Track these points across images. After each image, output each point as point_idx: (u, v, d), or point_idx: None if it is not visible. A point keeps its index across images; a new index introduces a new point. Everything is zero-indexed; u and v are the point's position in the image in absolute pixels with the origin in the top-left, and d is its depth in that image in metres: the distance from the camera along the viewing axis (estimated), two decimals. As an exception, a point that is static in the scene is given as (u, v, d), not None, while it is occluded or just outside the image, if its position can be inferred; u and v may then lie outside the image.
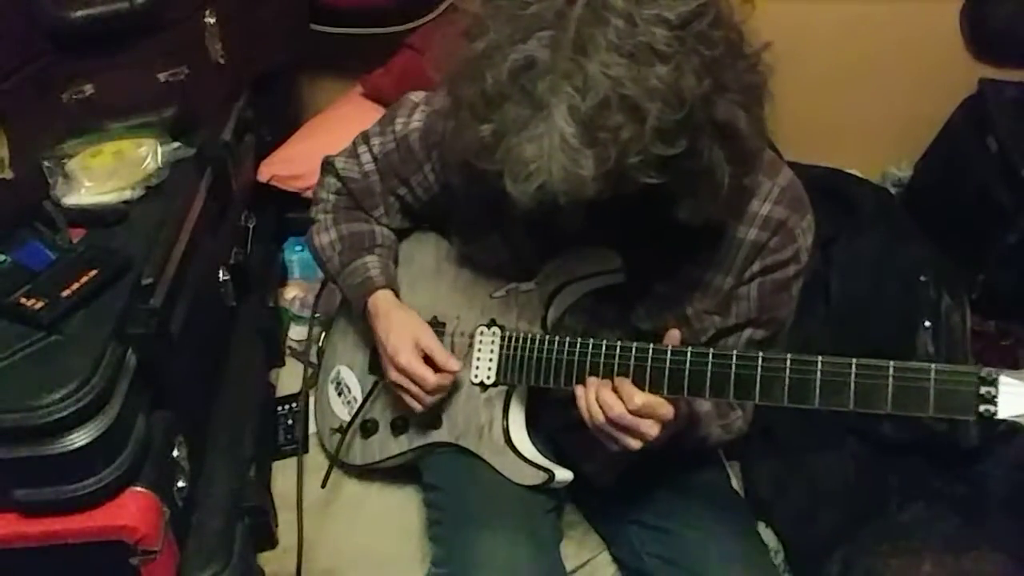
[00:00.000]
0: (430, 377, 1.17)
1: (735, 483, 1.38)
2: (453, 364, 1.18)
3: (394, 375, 1.20)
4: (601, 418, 1.02)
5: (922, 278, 1.71)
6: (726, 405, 1.19)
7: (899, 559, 1.40)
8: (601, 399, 1.02)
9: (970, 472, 1.53)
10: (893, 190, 2.19)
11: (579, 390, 1.05)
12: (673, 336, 1.03)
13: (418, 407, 1.20)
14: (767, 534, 1.50)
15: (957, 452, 1.54)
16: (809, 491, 1.52)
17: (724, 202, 0.98)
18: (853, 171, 2.09)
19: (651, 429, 1.00)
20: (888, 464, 1.54)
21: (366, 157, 1.28)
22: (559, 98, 0.83)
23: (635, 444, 1.02)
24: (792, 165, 2.04)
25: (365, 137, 1.29)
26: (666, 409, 1.00)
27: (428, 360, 1.18)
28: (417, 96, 1.25)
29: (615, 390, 1.02)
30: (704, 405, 1.15)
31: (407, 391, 1.19)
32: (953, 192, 2.03)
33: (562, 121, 0.83)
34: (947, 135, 2.12)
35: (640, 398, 1.00)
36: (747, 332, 1.16)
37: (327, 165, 1.34)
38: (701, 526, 1.18)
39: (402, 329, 1.20)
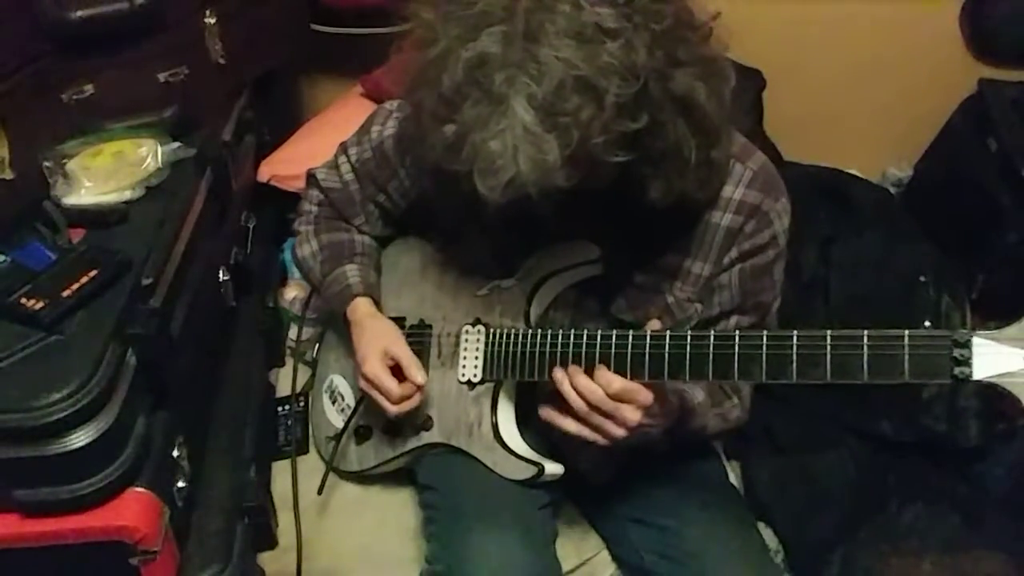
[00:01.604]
0: (394, 389, 1.17)
1: (734, 479, 1.38)
2: (418, 376, 1.17)
3: (362, 383, 1.20)
4: (582, 405, 1.01)
5: (922, 278, 1.71)
6: (721, 394, 1.19)
7: (899, 559, 1.40)
8: (579, 386, 1.02)
9: (970, 472, 1.53)
10: (893, 190, 2.20)
11: (558, 373, 1.04)
12: (654, 325, 1.03)
13: (388, 414, 1.20)
14: (767, 534, 1.50)
15: (957, 452, 1.54)
16: (809, 491, 1.52)
17: (694, 177, 0.99)
18: (853, 171, 2.09)
19: (632, 414, 1.00)
20: (888, 464, 1.55)
21: (345, 167, 1.30)
22: (516, 89, 0.84)
23: (618, 432, 1.02)
24: (792, 165, 2.07)
25: (344, 148, 1.31)
26: (644, 395, 1.00)
27: (398, 370, 1.18)
28: (392, 104, 1.26)
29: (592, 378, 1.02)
30: (698, 396, 1.15)
31: (375, 401, 1.20)
32: (953, 192, 2.04)
33: (522, 111, 0.84)
34: (947, 135, 2.12)
35: (619, 383, 1.00)
36: (734, 320, 1.16)
37: (310, 178, 1.36)
38: (699, 522, 1.18)
39: (373, 338, 1.20)
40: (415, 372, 1.17)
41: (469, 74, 0.86)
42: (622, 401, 1.00)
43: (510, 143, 0.85)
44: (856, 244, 1.81)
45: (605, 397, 1.00)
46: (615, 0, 0.86)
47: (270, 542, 1.32)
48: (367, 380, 1.19)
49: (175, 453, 1.15)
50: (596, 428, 1.03)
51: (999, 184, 1.88)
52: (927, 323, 1.67)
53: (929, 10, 2.06)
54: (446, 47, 0.88)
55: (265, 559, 1.31)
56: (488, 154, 0.86)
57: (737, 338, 0.95)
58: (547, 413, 1.07)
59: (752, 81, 2.06)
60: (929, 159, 2.18)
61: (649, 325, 1.04)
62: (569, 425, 1.04)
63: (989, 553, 1.40)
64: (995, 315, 1.88)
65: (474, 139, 0.87)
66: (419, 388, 1.18)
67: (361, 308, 1.25)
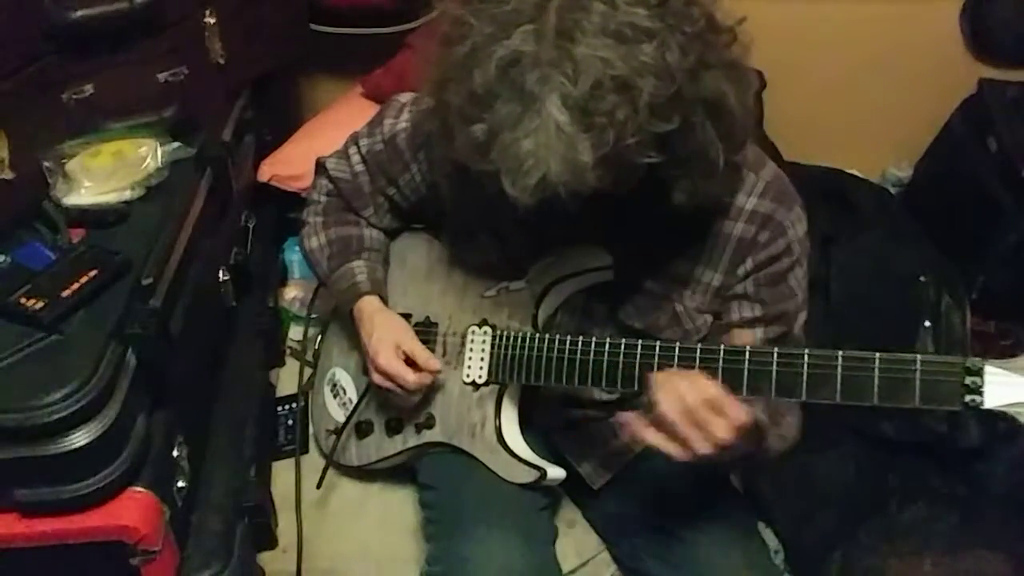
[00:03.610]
0: (409, 376, 1.17)
1: (734, 480, 1.37)
2: (433, 364, 1.19)
3: (376, 377, 1.21)
4: (675, 412, 0.92)
5: (922, 278, 1.71)
6: (777, 413, 1.11)
7: (899, 559, 1.40)
8: (680, 388, 0.93)
9: (970, 472, 1.53)
10: (893, 190, 2.20)
11: (659, 377, 0.96)
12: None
13: (404, 405, 1.21)
14: (767, 534, 1.50)
15: (957, 452, 1.54)
16: (809, 491, 1.52)
17: (718, 180, 0.98)
18: (853, 171, 2.09)
19: (724, 432, 0.91)
20: (888, 464, 1.55)
21: (356, 158, 1.29)
22: (550, 87, 0.83)
23: (703, 447, 0.92)
24: (792, 165, 2.07)
25: (355, 138, 1.30)
26: (738, 411, 0.92)
27: (411, 362, 1.19)
28: (405, 97, 1.25)
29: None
30: (761, 415, 1.03)
31: (390, 392, 1.20)
32: (953, 192, 2.04)
33: (555, 110, 0.83)
34: (947, 135, 2.12)
35: (714, 390, 0.92)
36: (760, 331, 1.14)
37: (319, 166, 1.35)
38: (701, 526, 1.17)
39: (383, 332, 1.21)
40: (429, 362, 1.18)
41: (502, 72, 0.85)
42: (715, 412, 0.92)
43: (542, 142, 0.84)
44: (856, 244, 1.81)
45: (700, 403, 0.92)
46: (648, 1, 0.85)
47: (270, 542, 1.32)
48: (382, 373, 1.19)
49: (175, 453, 1.15)
50: (681, 439, 0.93)
51: (999, 184, 1.88)
52: (927, 323, 1.67)
53: (929, 10, 2.06)
54: (477, 44, 0.87)
55: (265, 559, 1.31)
56: (518, 154, 0.85)
57: (748, 353, 0.95)
58: (626, 418, 0.98)
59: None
60: (929, 159, 2.18)
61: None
62: (651, 436, 0.94)
63: (989, 553, 1.40)
64: (995, 315, 1.89)
65: (505, 138, 0.86)
66: (435, 376, 1.19)
67: (369, 305, 1.25)
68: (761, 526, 1.50)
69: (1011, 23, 2.05)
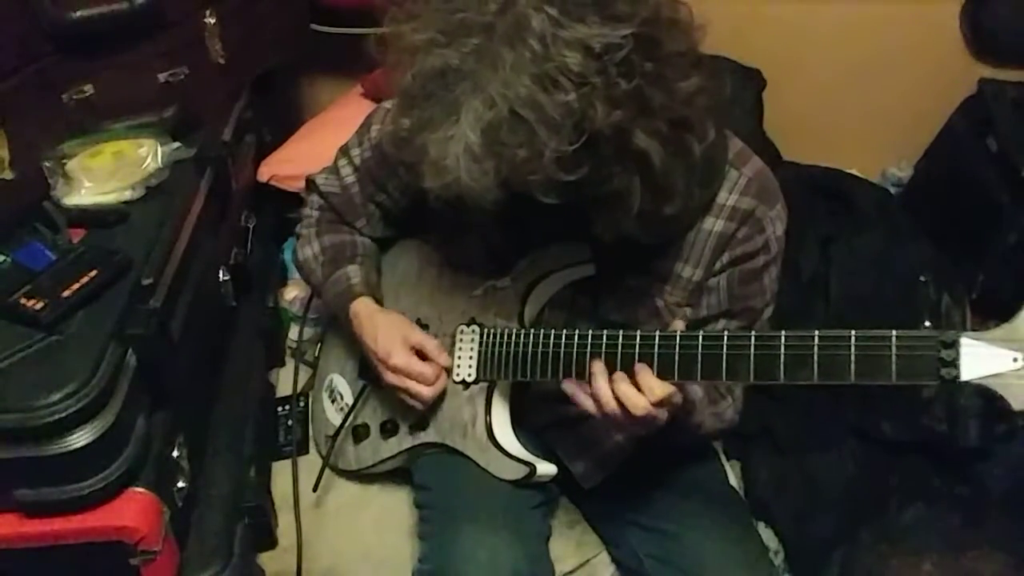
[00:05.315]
0: (428, 371, 1.17)
1: (734, 481, 1.37)
2: (443, 358, 1.19)
3: (391, 377, 1.20)
4: (620, 414, 0.99)
5: (922, 278, 1.71)
6: (716, 393, 1.19)
7: (899, 559, 1.40)
8: (622, 394, 0.99)
9: (970, 472, 1.53)
10: (893, 190, 2.20)
11: (597, 383, 1.01)
12: (678, 326, 1.02)
13: (419, 405, 1.20)
14: (767, 534, 1.50)
15: (957, 452, 1.54)
16: (809, 491, 1.52)
17: (639, 225, 0.97)
18: (853, 171, 2.09)
19: (663, 416, 1.00)
20: (888, 464, 1.55)
21: (346, 170, 1.30)
22: (468, 106, 0.85)
23: (643, 432, 1.02)
24: (792, 165, 2.07)
25: (345, 150, 1.31)
26: (678, 397, 1.00)
27: (420, 356, 1.19)
28: (390, 103, 1.26)
29: (634, 383, 0.99)
30: (697, 392, 1.14)
31: (406, 391, 1.19)
32: (953, 192, 2.04)
33: (468, 129, 0.85)
34: (947, 135, 2.12)
35: (660, 389, 0.97)
36: (721, 323, 1.16)
37: (310, 183, 1.36)
38: (699, 526, 1.17)
39: (389, 330, 1.21)
40: (440, 354, 1.19)
41: (434, 77, 0.88)
42: (661, 407, 0.99)
43: (451, 153, 0.87)
44: (856, 244, 1.81)
45: (649, 406, 0.97)
46: (591, 48, 0.83)
47: (270, 542, 1.32)
48: (397, 371, 1.18)
49: (175, 453, 1.15)
50: (621, 427, 1.03)
51: (999, 184, 1.88)
52: (927, 323, 1.67)
53: (929, 10, 2.06)
54: (419, 42, 0.89)
55: (265, 559, 1.31)
56: (431, 157, 0.88)
57: (725, 338, 0.95)
58: (571, 386, 1.05)
59: (752, 81, 2.06)
60: (929, 159, 2.18)
61: (673, 326, 1.02)
62: (589, 406, 1.02)
63: (989, 553, 1.40)
64: (995, 315, 1.88)
65: (424, 137, 0.89)
66: (445, 370, 1.19)
67: (365, 306, 1.25)
68: (761, 526, 1.50)
69: (1011, 23, 2.05)
